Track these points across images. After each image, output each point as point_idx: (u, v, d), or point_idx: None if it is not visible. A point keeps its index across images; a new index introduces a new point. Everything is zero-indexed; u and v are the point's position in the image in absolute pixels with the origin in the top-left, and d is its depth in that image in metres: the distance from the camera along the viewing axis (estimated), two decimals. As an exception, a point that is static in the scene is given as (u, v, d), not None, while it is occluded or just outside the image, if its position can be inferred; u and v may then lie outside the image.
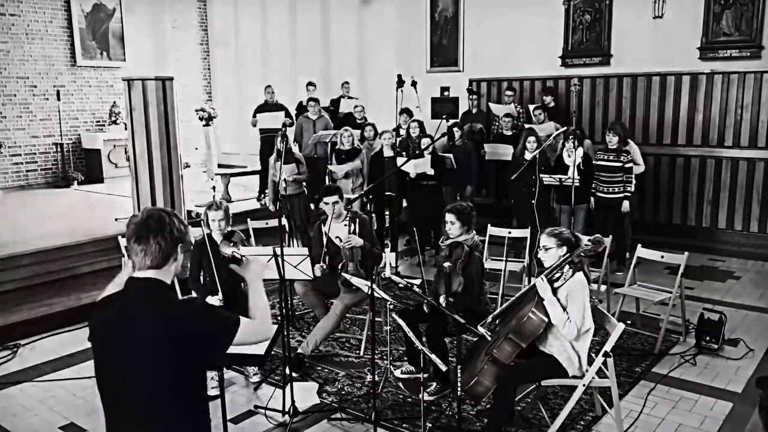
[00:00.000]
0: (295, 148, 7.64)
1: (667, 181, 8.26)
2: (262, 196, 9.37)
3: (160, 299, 2.10)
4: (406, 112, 8.43)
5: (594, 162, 6.87)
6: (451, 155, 7.44)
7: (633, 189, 6.78)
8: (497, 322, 3.70)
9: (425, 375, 3.78)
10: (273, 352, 3.15)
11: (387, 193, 6.99)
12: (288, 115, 9.22)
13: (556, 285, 3.53)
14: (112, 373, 2.11)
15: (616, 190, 6.72)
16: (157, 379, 2.04)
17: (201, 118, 9.99)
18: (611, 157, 6.73)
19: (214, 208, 4.66)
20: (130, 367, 2.05)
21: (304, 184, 7.19)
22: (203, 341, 2.09)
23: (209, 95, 13.53)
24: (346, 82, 9.89)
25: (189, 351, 2.05)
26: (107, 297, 2.23)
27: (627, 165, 6.70)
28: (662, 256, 5.17)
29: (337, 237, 4.97)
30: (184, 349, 2.04)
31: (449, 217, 4.28)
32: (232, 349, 2.91)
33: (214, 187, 8.89)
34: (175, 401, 2.09)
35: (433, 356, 3.37)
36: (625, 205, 6.72)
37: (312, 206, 7.56)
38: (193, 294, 4.91)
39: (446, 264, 3.81)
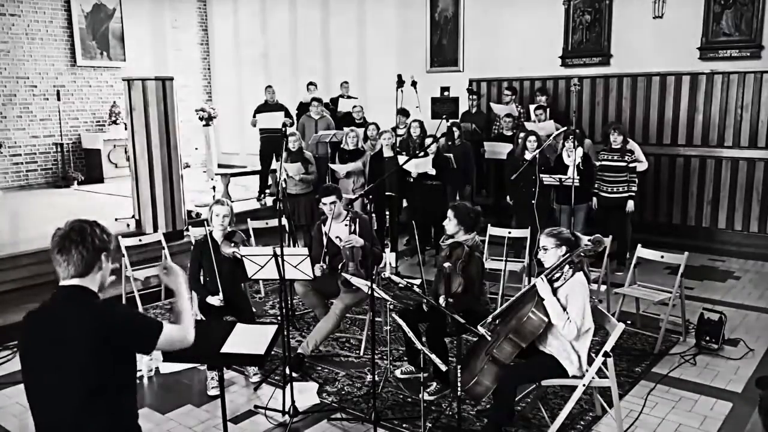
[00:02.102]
0: (304, 147, 7.63)
1: (667, 181, 8.26)
2: (262, 196, 9.38)
3: (83, 302, 2.19)
4: (402, 112, 8.43)
5: (598, 162, 6.87)
6: (451, 155, 7.44)
7: (636, 188, 6.77)
8: (497, 322, 3.70)
9: (425, 375, 3.78)
10: (273, 352, 3.15)
11: (387, 193, 6.99)
12: (288, 115, 9.22)
13: (556, 285, 3.53)
14: (38, 375, 2.20)
15: (621, 189, 6.72)
16: (80, 379, 2.12)
17: (201, 118, 10.00)
18: (615, 157, 6.73)
19: (219, 203, 4.69)
20: (55, 367, 2.13)
21: (312, 183, 7.19)
22: (125, 341, 2.18)
23: (209, 95, 13.54)
24: (345, 82, 9.90)
25: (111, 350, 2.13)
26: (33, 310, 2.29)
27: (631, 165, 6.69)
28: (662, 256, 5.17)
29: (337, 237, 4.97)
30: (106, 348, 2.12)
31: (449, 213, 4.29)
32: (232, 349, 2.93)
33: (214, 187, 8.90)
34: (99, 400, 2.16)
35: (433, 356, 3.37)
36: (630, 205, 6.72)
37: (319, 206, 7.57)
38: (193, 294, 4.91)
39: (446, 264, 3.80)
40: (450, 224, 4.28)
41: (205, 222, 4.77)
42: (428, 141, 7.30)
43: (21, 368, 2.25)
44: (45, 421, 2.22)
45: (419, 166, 6.98)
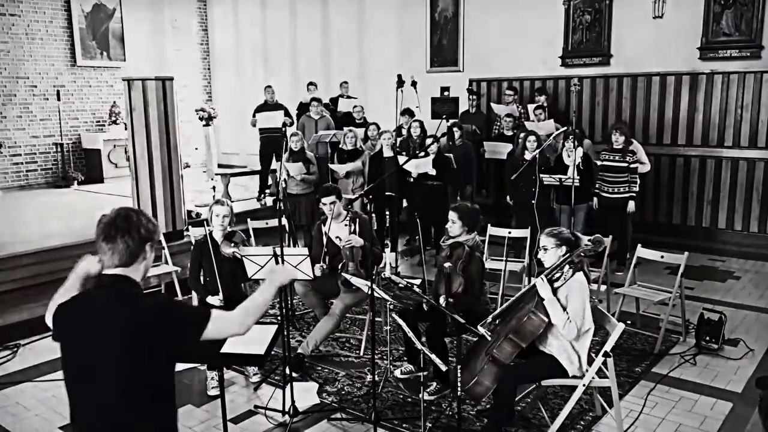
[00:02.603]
0: (306, 147, 7.63)
1: (667, 181, 8.25)
2: (262, 196, 9.38)
3: (127, 295, 2.14)
4: (408, 112, 8.43)
5: (599, 162, 6.86)
6: (452, 155, 7.44)
7: (638, 189, 6.77)
8: (497, 322, 3.70)
9: (425, 374, 3.78)
10: (273, 352, 3.15)
11: (387, 193, 6.99)
12: (288, 114, 9.22)
13: (556, 285, 3.53)
14: (79, 368, 2.14)
15: (622, 190, 6.71)
16: (123, 373, 2.06)
17: (201, 118, 9.99)
18: (617, 158, 6.72)
19: (219, 203, 4.69)
20: (98, 361, 2.08)
21: (313, 183, 7.19)
22: (170, 334, 2.12)
23: (209, 95, 13.54)
24: (345, 82, 9.90)
25: (156, 344, 2.08)
26: (75, 295, 2.25)
27: (632, 165, 6.69)
28: (662, 256, 5.17)
29: (337, 237, 4.97)
30: (150, 342, 2.07)
31: (452, 215, 4.27)
32: (232, 349, 2.93)
33: (214, 187, 8.90)
34: (139, 397, 2.11)
35: (433, 356, 3.37)
36: (631, 206, 6.71)
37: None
38: (193, 294, 4.91)
39: (446, 264, 3.80)
40: (454, 227, 4.26)
41: (205, 222, 4.77)
42: (428, 141, 7.30)
43: (60, 353, 2.17)
44: (80, 410, 2.16)
45: (420, 166, 6.98)
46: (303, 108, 9.51)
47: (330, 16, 11.61)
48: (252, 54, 12.86)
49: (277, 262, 4.01)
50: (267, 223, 6.50)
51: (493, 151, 8.04)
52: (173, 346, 2.15)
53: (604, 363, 3.50)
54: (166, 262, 6.19)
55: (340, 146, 7.60)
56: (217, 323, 2.19)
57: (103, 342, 2.07)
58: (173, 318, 2.15)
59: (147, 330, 2.07)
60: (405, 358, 4.62)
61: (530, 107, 8.43)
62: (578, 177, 6.28)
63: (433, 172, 7.00)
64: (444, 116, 8.51)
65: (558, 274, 3.54)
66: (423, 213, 7.23)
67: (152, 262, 2.27)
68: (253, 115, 9.31)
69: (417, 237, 7.38)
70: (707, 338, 4.90)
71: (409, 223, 7.99)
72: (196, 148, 11.90)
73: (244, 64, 13.03)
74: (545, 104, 8.33)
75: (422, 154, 6.98)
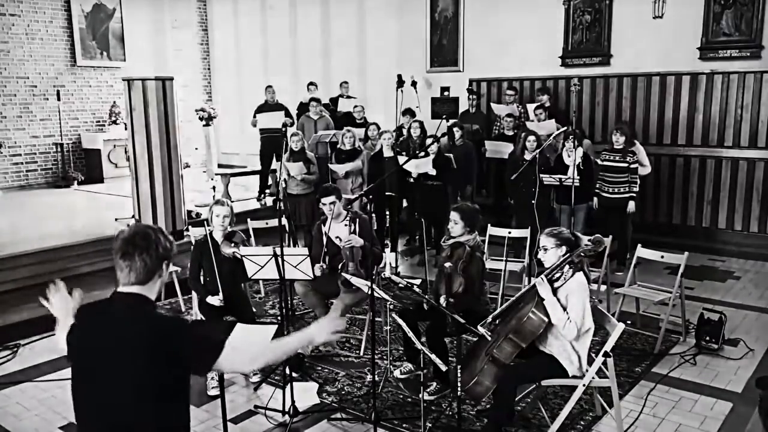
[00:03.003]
0: (307, 148, 7.63)
1: (667, 181, 8.25)
2: (262, 196, 9.38)
3: (143, 314, 2.14)
4: (409, 112, 8.43)
5: (599, 162, 6.86)
6: (452, 155, 7.44)
7: (638, 189, 6.77)
8: (497, 322, 3.70)
9: (425, 370, 3.78)
10: (273, 352, 3.14)
11: (387, 193, 6.99)
12: (288, 115, 9.22)
13: (556, 285, 3.52)
14: (89, 384, 2.13)
15: (622, 190, 6.71)
16: (133, 392, 2.06)
17: (201, 118, 10.00)
18: (617, 158, 6.72)
19: (219, 204, 4.70)
20: (109, 378, 2.07)
21: (313, 184, 7.20)
22: (184, 359, 2.10)
23: (209, 95, 13.54)
24: (345, 82, 9.90)
25: (169, 367, 2.07)
26: (88, 309, 2.24)
27: (633, 165, 6.68)
28: (662, 256, 5.17)
29: (337, 237, 4.97)
30: (163, 364, 2.06)
31: (454, 215, 4.26)
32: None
33: (214, 187, 8.90)
34: (151, 417, 2.09)
35: (433, 356, 3.37)
36: (631, 206, 6.71)
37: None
38: (193, 294, 4.91)
39: (447, 264, 3.81)
40: (457, 227, 4.25)
41: (205, 222, 4.77)
42: (428, 141, 7.30)
43: (71, 367, 2.18)
44: (89, 426, 2.16)
45: (419, 166, 6.98)
46: (303, 108, 9.51)
47: (330, 16, 11.61)
48: (252, 54, 12.86)
49: (277, 263, 4.01)
50: (267, 223, 6.50)
51: (495, 150, 8.04)
52: (187, 368, 2.15)
53: (604, 363, 3.50)
54: (166, 262, 6.17)
55: (338, 146, 7.60)
56: (231, 355, 2.15)
57: (119, 360, 2.06)
58: (191, 342, 2.14)
59: (164, 349, 2.06)
60: (405, 358, 4.61)
61: (530, 107, 8.44)
62: (578, 177, 6.28)
63: (433, 172, 7.00)
64: (444, 116, 8.52)
65: (558, 274, 3.54)
66: (423, 213, 7.25)
67: (166, 279, 2.26)
68: (254, 116, 9.31)
69: (417, 237, 7.38)
70: (707, 338, 4.90)
71: (410, 223, 7.99)
72: (196, 148, 11.90)
73: (244, 63, 13.03)
74: (547, 104, 8.33)
75: (422, 154, 6.98)
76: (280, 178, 6.39)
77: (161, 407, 2.11)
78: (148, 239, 2.14)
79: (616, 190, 6.74)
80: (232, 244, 4.56)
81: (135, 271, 2.12)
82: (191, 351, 2.12)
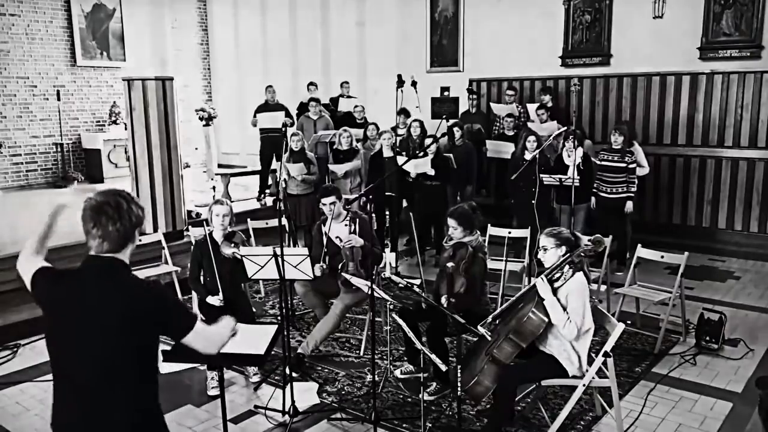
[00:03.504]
0: (307, 148, 7.63)
1: (667, 181, 8.26)
2: (262, 196, 9.38)
3: (120, 277, 2.16)
4: (403, 112, 8.42)
5: (597, 162, 6.86)
6: (452, 155, 7.44)
7: (635, 189, 6.77)
8: (497, 322, 3.70)
9: (425, 375, 3.78)
10: (273, 352, 3.14)
11: (387, 193, 6.99)
12: (288, 115, 9.22)
13: (556, 285, 3.53)
14: (64, 344, 2.16)
15: (620, 190, 6.72)
16: (107, 352, 2.09)
17: (201, 118, 9.98)
18: (615, 158, 6.73)
19: (218, 203, 4.70)
20: (84, 338, 2.10)
21: (313, 184, 7.20)
22: (157, 324, 2.14)
23: (209, 95, 13.53)
24: (346, 82, 9.89)
25: (142, 329, 2.11)
26: (62, 272, 2.25)
27: (631, 166, 6.69)
28: (662, 256, 5.17)
29: (337, 237, 4.97)
30: (136, 326, 2.09)
31: (451, 222, 4.26)
32: (232, 349, 2.93)
33: (214, 187, 8.90)
34: (123, 376, 2.13)
35: (433, 356, 3.37)
36: (629, 206, 6.72)
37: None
38: (193, 294, 4.91)
39: (449, 264, 3.80)
40: (456, 232, 4.25)
41: (205, 222, 4.77)
42: (428, 141, 7.30)
43: (46, 324, 2.19)
44: (62, 382, 2.19)
45: (418, 166, 6.98)
46: (303, 108, 9.51)
47: (330, 16, 11.61)
48: (252, 54, 12.86)
49: (277, 263, 4.01)
50: (267, 223, 6.50)
51: (496, 150, 8.04)
52: (158, 332, 2.18)
53: (604, 363, 3.51)
54: (166, 262, 6.19)
55: (335, 147, 7.60)
56: (200, 332, 2.22)
57: (94, 321, 2.09)
58: (166, 310, 2.18)
59: (139, 313, 2.09)
60: (405, 358, 4.62)
61: (530, 107, 8.44)
62: (578, 177, 6.28)
63: (431, 172, 7.00)
64: (444, 116, 8.51)
65: (558, 274, 3.54)
66: (423, 213, 7.25)
67: (136, 245, 2.29)
68: (254, 116, 9.31)
69: (408, 238, 7.36)
70: (707, 338, 4.90)
71: (409, 225, 7.98)
72: (196, 148, 11.88)
73: (244, 64, 13.03)
74: (550, 104, 8.33)
75: (421, 154, 6.98)
76: (280, 179, 6.39)
77: (131, 382, 2.15)
78: (119, 208, 2.14)
79: (614, 190, 6.74)
80: (232, 245, 4.56)
81: (108, 240, 2.13)
82: (166, 313, 2.17)
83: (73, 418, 2.17)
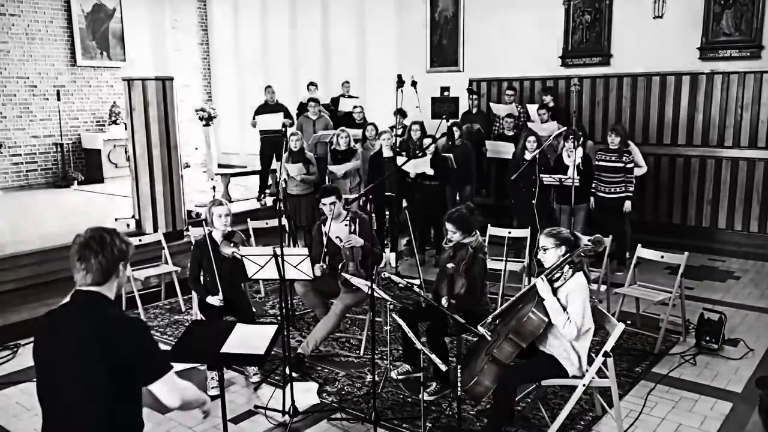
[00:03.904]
0: (306, 148, 7.63)
1: (667, 181, 8.26)
2: (262, 196, 9.38)
3: (98, 311, 2.21)
4: (400, 112, 8.43)
5: (595, 162, 6.87)
6: (451, 155, 7.44)
7: (633, 188, 6.78)
8: (497, 322, 3.70)
9: (420, 373, 3.78)
10: (273, 352, 3.14)
11: (387, 193, 6.99)
12: (288, 115, 9.22)
13: (556, 285, 3.52)
14: (47, 379, 2.23)
15: (618, 190, 6.73)
16: (86, 391, 2.14)
17: (201, 118, 9.99)
18: (613, 158, 6.74)
19: (217, 204, 4.69)
20: (64, 372, 2.17)
21: (313, 184, 7.20)
22: (128, 360, 2.16)
23: (209, 95, 13.53)
24: (347, 82, 9.90)
25: (111, 364, 2.13)
26: (52, 310, 2.32)
27: (628, 165, 6.71)
28: (662, 256, 5.17)
29: (337, 237, 4.97)
30: (110, 362, 2.13)
31: (449, 227, 4.26)
32: (232, 349, 2.93)
33: (214, 187, 8.90)
34: (101, 411, 2.17)
35: (433, 356, 3.37)
36: (627, 205, 6.73)
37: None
38: (193, 294, 4.91)
39: (449, 265, 3.80)
40: (455, 236, 4.26)
41: (204, 222, 4.76)
42: (427, 141, 7.30)
43: (34, 365, 2.28)
44: (49, 417, 2.26)
45: (417, 166, 6.98)
46: (303, 108, 9.51)
47: (330, 17, 11.61)
48: (252, 54, 12.86)
49: (277, 263, 4.01)
50: (267, 223, 6.50)
51: (495, 150, 8.04)
52: (132, 370, 2.19)
53: (604, 363, 3.50)
54: (166, 262, 6.19)
55: (333, 147, 7.60)
56: (168, 384, 2.23)
57: (72, 353, 2.15)
58: (141, 351, 2.21)
59: (113, 348, 2.13)
60: (403, 359, 4.60)
61: (531, 107, 8.43)
62: (578, 177, 6.28)
63: (431, 172, 7.00)
64: (444, 116, 8.51)
65: (558, 274, 3.53)
66: (422, 213, 7.24)
67: (125, 279, 2.37)
68: (254, 116, 9.31)
69: (409, 238, 7.35)
70: (707, 338, 4.90)
71: (408, 226, 7.98)
72: (196, 148, 11.89)
73: (244, 64, 13.03)
74: (551, 104, 8.33)
75: (420, 154, 6.98)
76: (280, 179, 6.39)
77: (114, 406, 2.18)
78: (103, 243, 2.22)
79: (612, 189, 6.75)
80: (232, 244, 4.56)
81: (92, 272, 2.21)
82: (137, 358, 2.18)
83: None
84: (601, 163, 6.80)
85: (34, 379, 2.30)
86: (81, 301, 2.23)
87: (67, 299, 2.38)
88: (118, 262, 2.26)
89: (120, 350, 2.14)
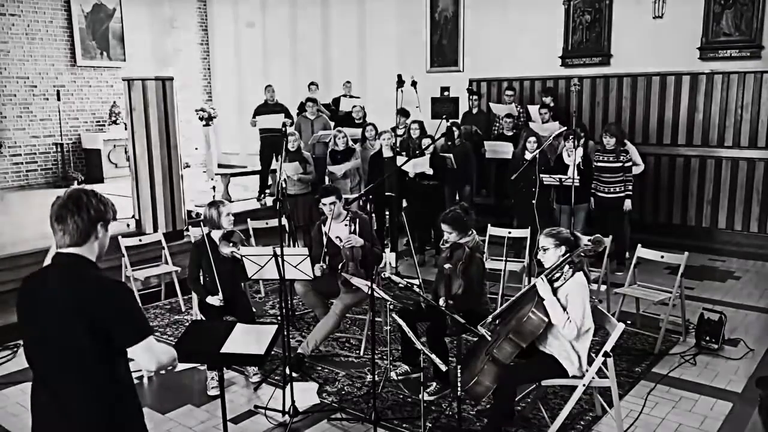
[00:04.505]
0: (303, 147, 7.63)
1: (667, 181, 8.26)
2: (262, 196, 9.38)
3: (79, 272, 2.19)
4: (402, 112, 8.43)
5: (594, 163, 6.87)
6: (451, 155, 7.44)
7: (632, 187, 6.79)
8: (497, 322, 3.70)
9: (422, 373, 3.78)
10: (273, 352, 3.14)
11: (387, 193, 6.99)
12: (288, 115, 9.22)
13: (556, 285, 3.52)
14: (33, 340, 2.23)
15: (617, 189, 6.74)
16: (68, 349, 2.13)
17: (201, 118, 9.99)
18: (610, 158, 6.75)
19: (221, 204, 4.71)
20: (46, 334, 2.16)
21: (310, 184, 7.19)
22: (107, 322, 2.13)
23: (209, 95, 13.53)
24: (348, 82, 9.89)
25: (90, 324, 2.11)
26: (33, 272, 2.31)
27: (627, 164, 6.72)
28: (662, 256, 5.17)
29: (337, 237, 4.97)
30: (88, 323, 2.10)
31: (444, 227, 4.28)
32: (232, 349, 2.93)
33: (214, 187, 8.90)
34: (85, 376, 2.16)
35: (433, 356, 3.37)
36: (627, 204, 6.74)
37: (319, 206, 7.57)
38: (193, 294, 4.91)
39: (446, 266, 3.80)
40: (451, 236, 4.28)
41: (201, 223, 4.76)
42: (426, 141, 7.30)
43: (19, 328, 2.28)
44: (37, 379, 2.26)
45: (417, 166, 6.99)
46: (303, 108, 9.51)
47: (330, 16, 11.61)
48: (252, 54, 12.86)
49: (277, 263, 4.01)
50: (267, 223, 6.50)
51: (494, 150, 8.04)
52: (110, 332, 2.14)
53: (604, 363, 3.50)
54: (166, 262, 6.19)
55: (332, 148, 7.60)
56: (149, 344, 2.19)
57: (54, 315, 2.14)
58: (121, 312, 2.17)
59: (87, 311, 2.11)
60: (402, 359, 4.60)
61: (531, 108, 8.42)
62: (578, 177, 6.28)
63: (430, 171, 7.01)
64: (444, 116, 8.51)
65: (558, 274, 3.53)
66: (421, 213, 7.24)
67: (107, 241, 2.30)
68: (254, 116, 9.31)
69: (407, 239, 7.35)
70: (707, 338, 4.90)
71: (408, 223, 7.98)
72: (196, 148, 11.89)
73: (244, 63, 13.03)
74: (551, 104, 8.33)
75: (419, 153, 6.98)
76: (280, 179, 6.39)
77: (98, 368, 2.16)
78: (79, 202, 2.20)
79: (611, 189, 6.76)
80: (231, 244, 4.56)
81: (68, 233, 2.18)
82: (115, 319, 2.15)
83: (46, 417, 2.23)
84: (600, 163, 6.81)
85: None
86: (60, 263, 2.21)
87: (48, 261, 2.37)
88: (96, 222, 2.22)
89: (99, 311, 2.11)
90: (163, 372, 2.39)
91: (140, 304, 2.31)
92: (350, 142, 7.59)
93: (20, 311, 2.26)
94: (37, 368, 2.25)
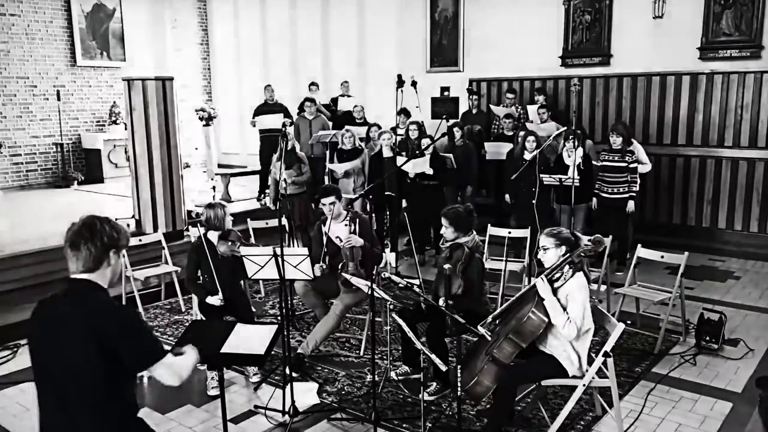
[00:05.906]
0: (297, 148, 7.63)
1: (667, 181, 8.26)
2: (262, 196, 9.38)
3: (87, 296, 2.23)
4: (404, 112, 8.43)
5: (598, 162, 6.86)
6: (451, 155, 7.44)
7: (638, 189, 6.76)
8: (497, 322, 3.70)
9: (421, 374, 3.78)
10: (273, 352, 3.15)
11: (387, 193, 6.99)
12: (288, 115, 9.22)
13: (556, 285, 3.52)
14: (44, 362, 2.26)
15: (621, 190, 6.71)
16: (78, 371, 2.17)
17: (201, 118, 9.99)
18: (616, 158, 6.72)
19: (220, 205, 4.72)
20: (57, 357, 2.20)
21: (306, 184, 7.19)
22: (117, 345, 2.18)
23: (209, 95, 13.54)
24: (346, 82, 9.91)
25: (102, 350, 2.15)
26: (44, 298, 2.34)
27: (632, 165, 6.69)
28: (662, 256, 5.17)
29: (337, 237, 4.97)
30: (96, 347, 2.15)
31: (443, 221, 4.28)
32: (232, 349, 2.93)
33: (214, 187, 8.90)
34: (91, 396, 2.20)
35: (433, 356, 3.37)
36: (631, 206, 6.72)
37: (313, 206, 7.56)
38: (193, 297, 4.92)
39: (446, 266, 3.80)
40: (448, 231, 4.27)
41: (198, 224, 4.76)
42: (425, 141, 7.30)
43: (30, 355, 2.30)
44: (44, 409, 2.28)
45: (416, 166, 6.98)
46: (303, 108, 9.51)
47: (330, 16, 11.61)
48: (252, 54, 12.86)
49: (277, 263, 4.01)
50: (267, 223, 6.50)
51: (495, 151, 8.04)
52: (119, 355, 2.19)
53: (604, 363, 3.50)
54: (166, 262, 6.19)
55: (339, 146, 7.59)
56: (166, 365, 2.27)
57: (62, 342, 2.17)
58: (130, 333, 2.21)
59: (102, 338, 2.15)
60: (402, 359, 4.60)
61: (530, 108, 8.42)
62: (578, 177, 6.27)
63: (430, 171, 7.01)
64: (444, 116, 8.50)
65: (558, 274, 3.53)
66: (420, 213, 7.24)
67: (120, 267, 2.37)
68: (253, 116, 9.31)
69: (407, 239, 7.36)
70: (707, 338, 4.90)
71: (407, 223, 7.98)
72: (196, 148, 11.90)
73: (244, 64, 13.03)
74: (544, 103, 8.32)
75: (419, 154, 6.98)
76: (280, 179, 6.39)
77: (106, 389, 2.20)
78: (92, 229, 2.24)
79: (615, 190, 6.74)
80: (229, 243, 4.56)
81: (82, 259, 2.23)
82: (124, 343, 2.19)
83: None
84: (605, 163, 6.78)
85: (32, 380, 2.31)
86: (72, 289, 2.25)
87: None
88: (108, 249, 2.26)
89: (108, 335, 2.15)
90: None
91: (150, 328, 2.37)
92: (358, 142, 7.58)
93: (32, 334, 2.29)
94: (46, 389, 2.27)
